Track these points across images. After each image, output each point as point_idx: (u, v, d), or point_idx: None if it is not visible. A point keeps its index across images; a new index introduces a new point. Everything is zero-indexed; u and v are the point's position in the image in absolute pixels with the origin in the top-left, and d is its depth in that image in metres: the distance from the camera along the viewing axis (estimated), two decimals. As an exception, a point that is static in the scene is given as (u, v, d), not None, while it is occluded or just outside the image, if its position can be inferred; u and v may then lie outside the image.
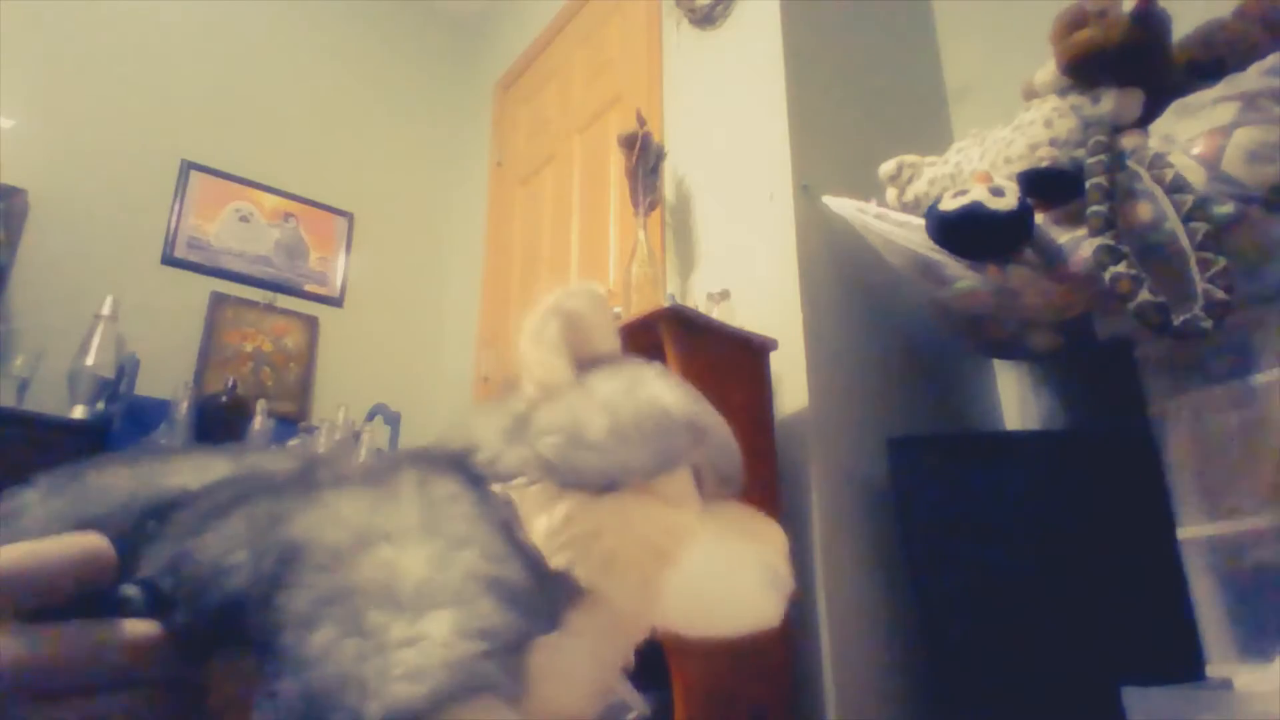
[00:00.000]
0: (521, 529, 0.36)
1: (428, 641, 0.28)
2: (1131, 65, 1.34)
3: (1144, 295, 1.12)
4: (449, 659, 0.28)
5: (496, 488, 0.37)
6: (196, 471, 0.35)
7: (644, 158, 1.95)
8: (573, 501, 0.36)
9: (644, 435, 0.38)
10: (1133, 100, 1.35)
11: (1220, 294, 1.11)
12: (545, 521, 0.36)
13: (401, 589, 0.30)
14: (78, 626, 0.26)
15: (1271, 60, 1.20)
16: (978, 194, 1.31)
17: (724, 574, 0.40)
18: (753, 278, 1.78)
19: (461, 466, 0.38)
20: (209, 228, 2.83)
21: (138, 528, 0.32)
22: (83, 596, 0.28)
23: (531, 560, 0.34)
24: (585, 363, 0.41)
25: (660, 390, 0.43)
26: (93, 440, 2.15)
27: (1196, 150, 1.20)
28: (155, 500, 0.34)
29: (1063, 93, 1.41)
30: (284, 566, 0.29)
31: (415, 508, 0.33)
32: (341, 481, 0.34)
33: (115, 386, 2.27)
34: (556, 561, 0.35)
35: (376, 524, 0.32)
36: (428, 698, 0.27)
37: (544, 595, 0.34)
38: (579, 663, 0.36)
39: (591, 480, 0.36)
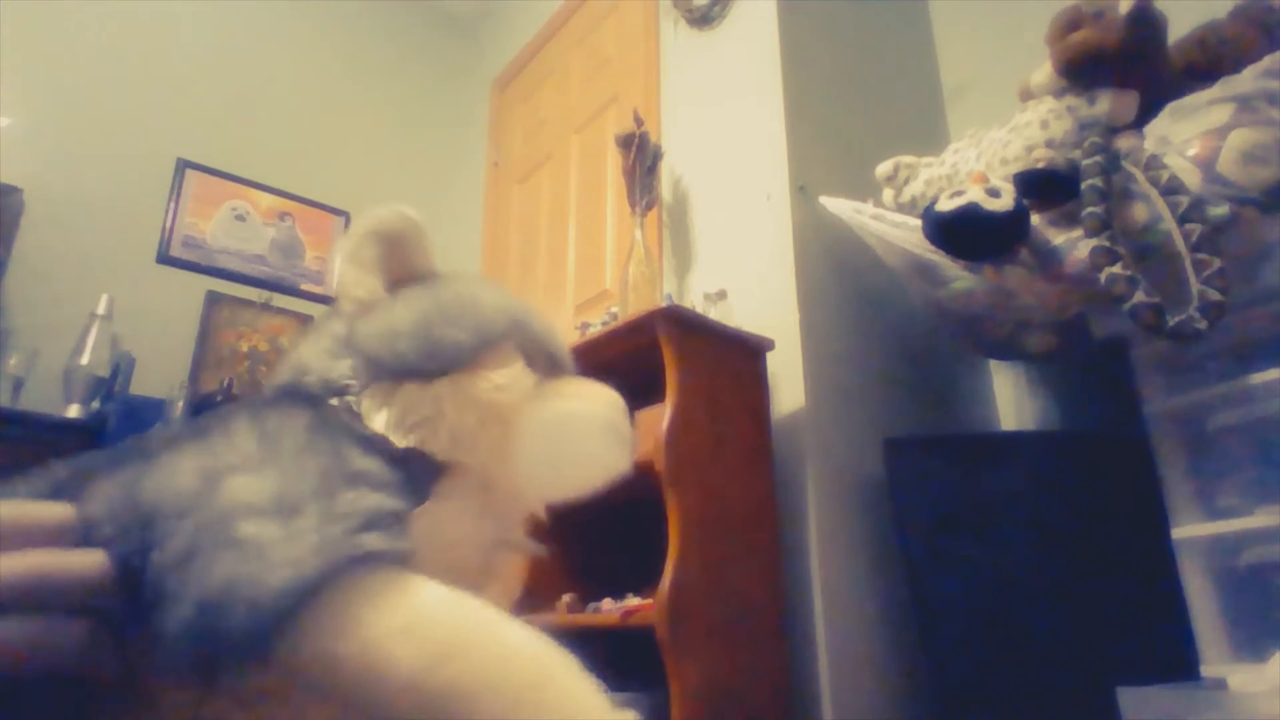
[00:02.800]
0: (365, 427, 0.37)
1: (300, 533, 0.30)
2: (1127, 67, 1.34)
3: (1139, 296, 1.13)
4: (324, 540, 0.30)
5: (334, 401, 0.38)
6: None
7: (641, 158, 1.95)
8: (407, 389, 0.38)
9: (455, 318, 0.41)
10: (1128, 102, 1.35)
11: (1215, 295, 1.11)
12: (386, 413, 0.37)
13: (263, 502, 0.31)
14: (36, 552, 0.28)
15: (1267, 62, 1.20)
16: (974, 195, 1.31)
17: (568, 432, 0.42)
18: (750, 278, 1.78)
19: (293, 394, 0.39)
20: (205, 226, 2.82)
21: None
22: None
23: (380, 449, 0.36)
24: (403, 280, 0.43)
25: (468, 285, 0.45)
26: (88, 439, 2.14)
27: (1192, 152, 1.20)
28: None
29: (1059, 94, 1.41)
30: (147, 530, 0.30)
31: (252, 440, 0.34)
32: (174, 442, 0.35)
33: (110, 385, 2.26)
34: (405, 443, 0.37)
35: (220, 462, 0.33)
36: (312, 576, 0.29)
37: (403, 475, 0.36)
38: (456, 525, 0.37)
39: (416, 363, 0.38)
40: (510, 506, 0.41)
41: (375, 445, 0.36)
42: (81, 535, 0.30)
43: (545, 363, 0.45)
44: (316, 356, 0.41)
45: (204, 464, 0.33)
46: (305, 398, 0.38)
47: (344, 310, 0.42)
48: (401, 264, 0.43)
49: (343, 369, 0.39)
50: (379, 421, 0.38)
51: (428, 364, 0.38)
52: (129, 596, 0.30)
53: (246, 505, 0.30)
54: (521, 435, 0.39)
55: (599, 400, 0.43)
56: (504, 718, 0.28)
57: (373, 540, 0.31)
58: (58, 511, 0.30)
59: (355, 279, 0.41)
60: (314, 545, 0.29)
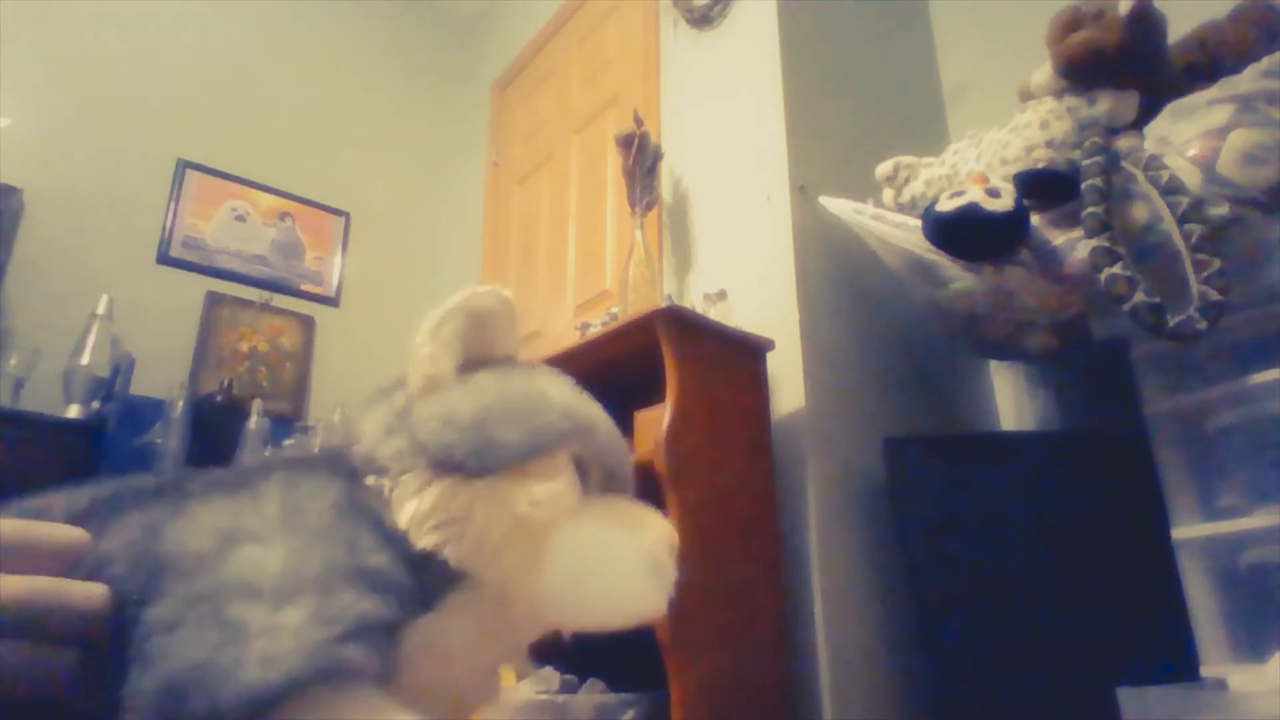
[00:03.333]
0: (391, 517, 0.36)
1: (284, 629, 0.29)
2: (1127, 67, 1.34)
3: (1139, 296, 1.13)
4: (303, 644, 0.29)
5: (371, 480, 0.37)
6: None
7: (641, 158, 1.95)
8: (444, 484, 0.36)
9: (515, 416, 0.39)
10: (1128, 102, 1.35)
11: (1215, 295, 1.11)
12: (415, 505, 0.36)
13: (262, 583, 0.30)
14: (39, 578, 0.27)
15: (1267, 62, 1.20)
16: (974, 195, 1.31)
17: (604, 561, 0.40)
18: (750, 278, 1.78)
19: (336, 462, 0.38)
20: (205, 227, 2.82)
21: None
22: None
23: (400, 546, 0.35)
24: (479, 363, 0.42)
25: (539, 380, 0.43)
26: (87, 440, 2.14)
27: (1192, 152, 1.20)
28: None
29: (1059, 94, 1.41)
30: (152, 580, 0.30)
31: (277, 506, 0.34)
32: (209, 490, 0.34)
33: (110, 386, 2.26)
34: (425, 543, 0.35)
35: (239, 526, 0.32)
36: (281, 682, 0.28)
37: (415, 580, 0.34)
38: (459, 641, 0.36)
39: (461, 459, 0.37)
40: (523, 628, 0.40)
41: (393, 540, 0.35)
42: (93, 568, 0.30)
43: (601, 476, 0.43)
44: (370, 428, 0.40)
45: (224, 525, 0.32)
46: (346, 470, 0.38)
47: (411, 385, 0.41)
48: (481, 345, 0.42)
49: (390, 448, 0.38)
50: (407, 513, 0.36)
51: (471, 461, 0.37)
52: (121, 638, 0.30)
53: (245, 583, 0.30)
54: (553, 556, 0.38)
55: (653, 533, 0.41)
56: None
57: (355, 652, 0.30)
58: (70, 536, 0.30)
59: (429, 354, 0.40)
60: (292, 647, 0.29)
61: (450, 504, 0.36)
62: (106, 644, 0.29)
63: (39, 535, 0.29)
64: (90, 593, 0.29)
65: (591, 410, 0.44)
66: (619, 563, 0.40)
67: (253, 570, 0.31)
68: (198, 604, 0.29)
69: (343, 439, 0.40)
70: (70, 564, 0.29)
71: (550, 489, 0.38)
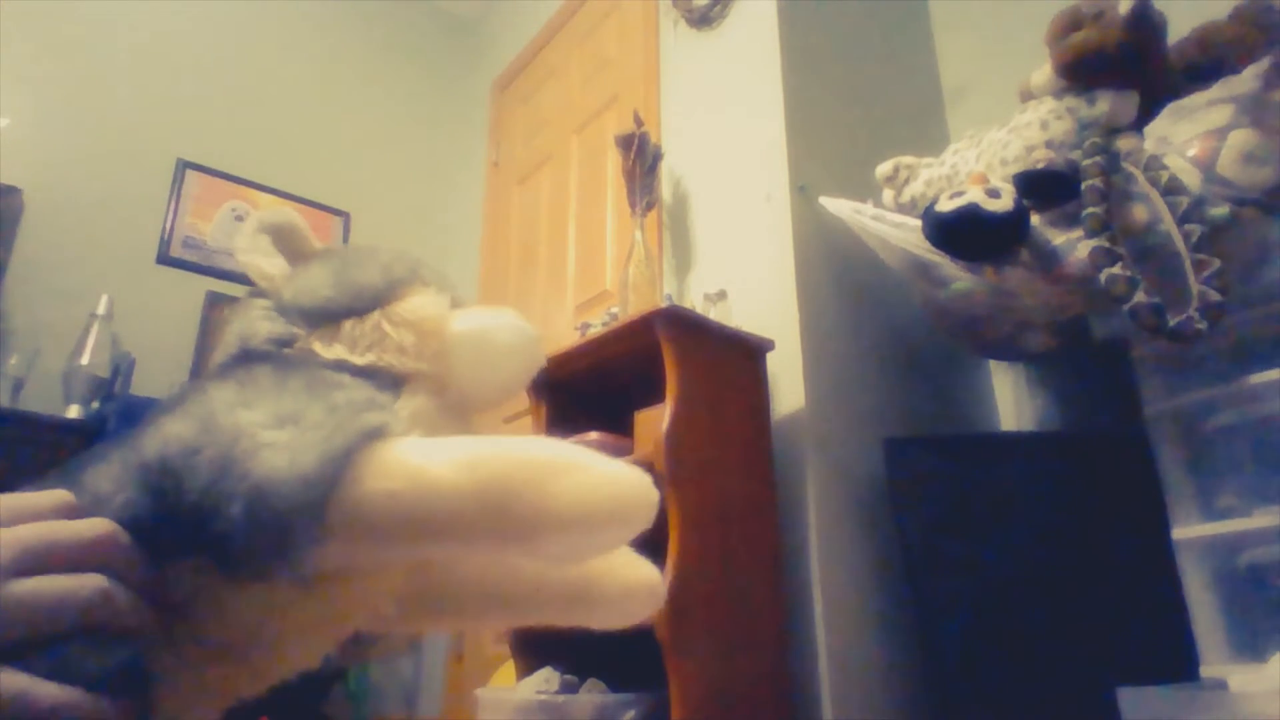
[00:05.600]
0: (324, 358, 0.41)
1: (315, 424, 0.33)
2: (1127, 67, 1.34)
3: (1139, 296, 1.13)
4: (339, 421, 0.33)
5: (287, 350, 0.42)
6: None
7: (641, 158, 1.95)
8: (348, 325, 0.42)
9: (363, 265, 0.45)
10: (1128, 102, 1.35)
11: (1215, 295, 1.11)
12: (337, 346, 0.41)
13: (268, 420, 0.33)
14: (41, 522, 0.29)
15: (1267, 62, 1.20)
16: (974, 195, 1.31)
17: (490, 338, 0.46)
18: (749, 278, 1.78)
19: (246, 357, 0.42)
20: (205, 227, 2.82)
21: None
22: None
23: (346, 366, 0.40)
24: (298, 260, 0.48)
25: (354, 247, 0.51)
26: (87, 440, 2.14)
27: (1192, 152, 1.20)
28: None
29: (1059, 94, 1.42)
30: (165, 478, 0.32)
31: (230, 388, 0.37)
32: (157, 413, 0.37)
33: (110, 386, 2.26)
34: (364, 360, 0.40)
35: (211, 408, 0.35)
36: (344, 444, 0.31)
37: (372, 383, 0.39)
38: (428, 421, 0.41)
39: (347, 304, 0.43)
40: (462, 405, 0.46)
41: (340, 365, 0.40)
42: (89, 510, 0.31)
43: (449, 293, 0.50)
44: (254, 324, 0.44)
45: (196, 414, 0.34)
46: (260, 355, 0.41)
47: (263, 286, 0.45)
48: (293, 249, 0.48)
49: (281, 327, 0.43)
50: (333, 353, 0.41)
51: (357, 303, 0.42)
52: (159, 544, 0.31)
53: (255, 423, 0.33)
54: (453, 348, 0.44)
55: (505, 313, 0.48)
56: (541, 494, 0.31)
57: (379, 416, 0.34)
58: (55, 496, 0.31)
59: (263, 262, 0.46)
60: (334, 425, 0.32)
61: (364, 333, 0.42)
62: (130, 560, 0.30)
63: (24, 503, 0.30)
64: (98, 523, 0.30)
65: (412, 254, 0.51)
66: (501, 337, 0.47)
67: (252, 416, 0.33)
68: (227, 450, 0.31)
69: (234, 343, 0.45)
70: (64, 513, 0.30)
71: (429, 296, 0.45)
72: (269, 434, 0.32)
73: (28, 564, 0.27)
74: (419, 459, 0.32)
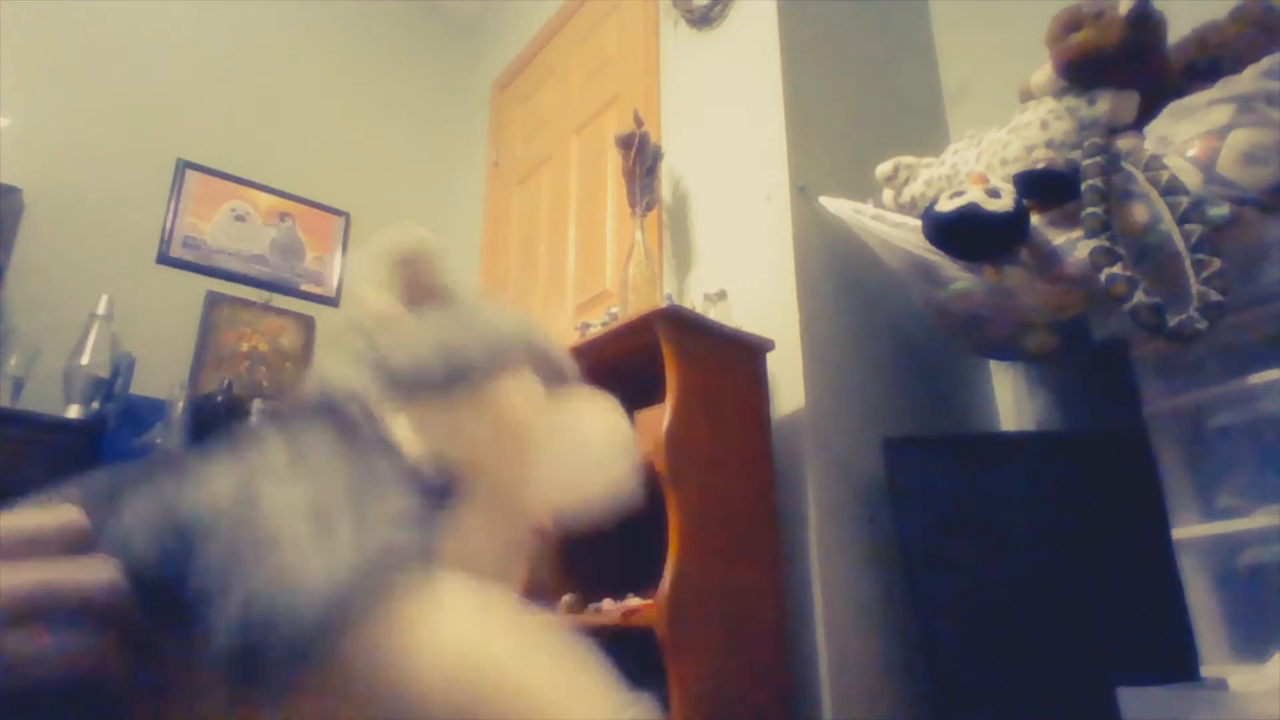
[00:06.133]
0: (386, 435, 0.39)
1: (339, 533, 0.31)
2: (1127, 67, 1.34)
3: (1139, 297, 1.13)
4: (360, 537, 0.31)
5: (355, 412, 0.39)
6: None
7: (641, 158, 1.95)
8: (426, 403, 0.39)
9: (472, 338, 0.43)
10: (1128, 102, 1.35)
11: (1215, 295, 1.11)
12: (405, 424, 0.39)
13: (297, 509, 0.32)
14: (39, 562, 0.28)
15: (1267, 63, 1.20)
16: (974, 195, 1.31)
17: (579, 445, 0.45)
18: (749, 278, 1.78)
19: (320, 408, 0.40)
20: (205, 227, 2.82)
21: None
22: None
23: (402, 464, 0.37)
24: (418, 297, 0.45)
25: (481, 305, 0.47)
26: (88, 440, 2.14)
27: (1192, 152, 1.20)
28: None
29: (1059, 94, 1.42)
30: (183, 538, 0.31)
31: (283, 455, 0.35)
32: (209, 457, 0.36)
33: (110, 386, 2.26)
34: (422, 460, 0.38)
35: (254, 477, 0.34)
36: (352, 570, 0.30)
37: (423, 483, 0.37)
38: (474, 529, 0.39)
39: (434, 378, 0.40)
40: (522, 515, 0.43)
41: (396, 454, 0.37)
42: (111, 549, 0.30)
43: (551, 375, 0.47)
44: (339, 370, 0.42)
45: (238, 476, 0.34)
46: (329, 410, 0.40)
47: (364, 327, 0.43)
48: (417, 282, 0.45)
49: (364, 382, 0.41)
50: (399, 431, 0.39)
51: (445, 379, 0.40)
52: (160, 607, 0.30)
53: (282, 509, 0.32)
54: (535, 450, 0.41)
55: (606, 416, 0.45)
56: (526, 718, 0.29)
57: (405, 538, 0.32)
58: (64, 515, 0.30)
59: (374, 297, 0.44)
60: (350, 542, 0.31)
61: (437, 417, 0.39)
62: (134, 617, 0.29)
63: (33, 521, 0.29)
64: (100, 568, 0.29)
65: (530, 320, 0.48)
66: (591, 445, 0.44)
67: (284, 505, 0.32)
68: (245, 538, 0.30)
69: (315, 385, 0.43)
70: (71, 542, 0.30)
71: (522, 386, 0.42)
72: (294, 529, 0.31)
73: (22, 613, 0.26)
74: (420, 627, 0.30)
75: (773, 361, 1.60)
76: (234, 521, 0.31)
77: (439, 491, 0.38)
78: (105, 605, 0.28)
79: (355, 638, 0.29)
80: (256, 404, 2.48)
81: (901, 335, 1.84)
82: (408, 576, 0.32)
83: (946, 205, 1.34)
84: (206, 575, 0.30)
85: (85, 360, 2.26)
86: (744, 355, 1.56)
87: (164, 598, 0.30)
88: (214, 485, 0.33)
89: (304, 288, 2.99)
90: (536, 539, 0.45)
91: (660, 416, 1.37)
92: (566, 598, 1.56)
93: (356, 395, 0.40)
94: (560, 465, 0.43)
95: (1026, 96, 1.49)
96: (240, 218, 2.91)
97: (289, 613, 0.28)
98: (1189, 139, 1.22)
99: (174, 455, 0.38)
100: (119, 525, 0.32)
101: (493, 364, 0.42)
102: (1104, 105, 1.35)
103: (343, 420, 0.39)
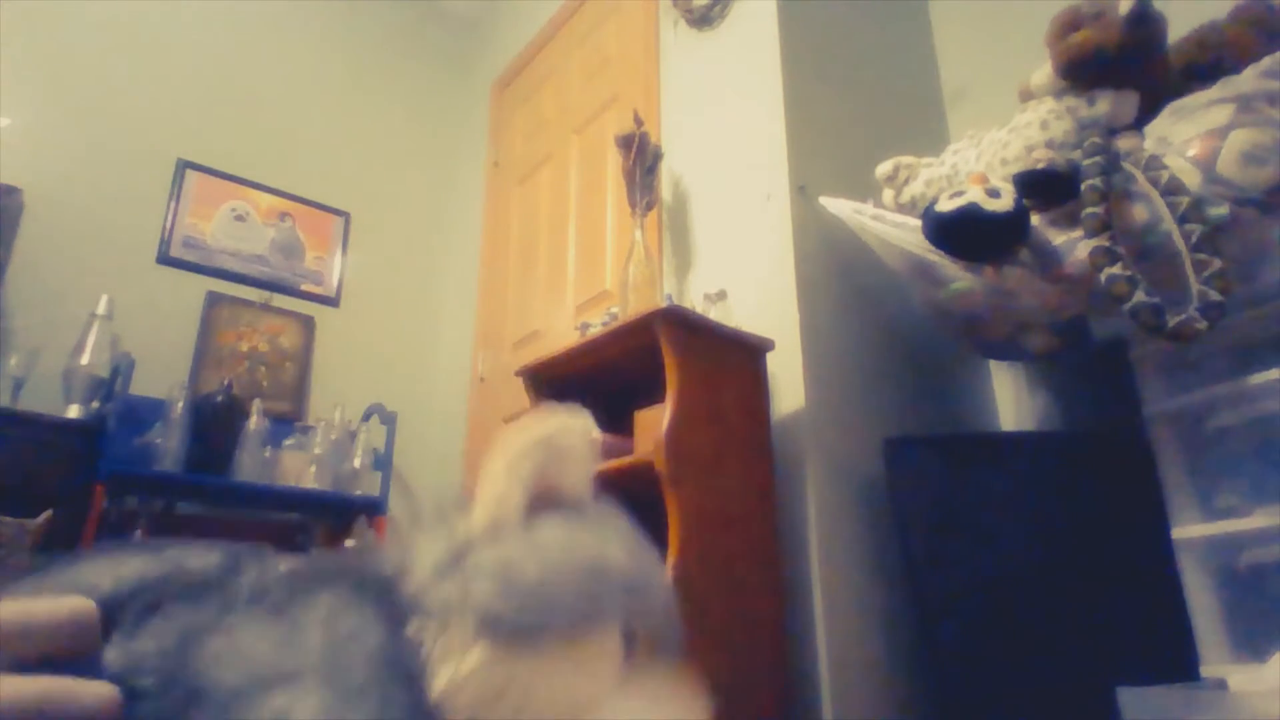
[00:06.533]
0: (424, 678, 0.35)
1: None
2: (1127, 67, 1.35)
3: (1139, 296, 1.13)
4: None
5: (414, 625, 0.36)
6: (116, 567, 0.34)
7: (641, 158, 1.95)
8: (486, 652, 0.35)
9: (576, 587, 0.37)
10: (1128, 102, 1.35)
11: (1215, 295, 1.11)
12: (452, 670, 0.35)
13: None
14: (49, 677, 0.27)
15: (1267, 63, 1.20)
16: (974, 195, 1.31)
17: None
18: (749, 278, 1.78)
19: (384, 594, 0.37)
20: (205, 227, 2.82)
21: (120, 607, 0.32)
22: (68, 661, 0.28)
23: (427, 715, 0.33)
24: (548, 502, 0.40)
25: (604, 544, 0.41)
26: (87, 440, 2.14)
27: (1192, 152, 1.20)
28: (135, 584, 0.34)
29: (1059, 95, 1.42)
30: (190, 703, 0.29)
31: (318, 647, 0.33)
32: (255, 601, 0.33)
33: (110, 386, 2.26)
34: (453, 717, 0.34)
35: (276, 665, 0.32)
36: None
37: None
38: None
39: (511, 629, 0.35)
40: None
41: (423, 709, 0.34)
42: (122, 671, 0.29)
43: (648, 645, 0.42)
44: (425, 562, 0.38)
45: (261, 659, 0.32)
46: (390, 606, 0.36)
47: (475, 519, 0.39)
48: (555, 482, 0.40)
49: (439, 596, 0.36)
50: (443, 677, 0.35)
51: (521, 634, 0.35)
52: None
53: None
54: None
55: (677, 704, 0.40)
56: None
57: None
58: (74, 608, 0.29)
59: (500, 491, 0.38)
60: None
61: (489, 675, 0.35)
62: None
63: (42, 614, 0.28)
64: (103, 695, 0.28)
65: (652, 575, 0.42)
66: None
67: (302, 704, 0.30)
68: None
69: (395, 564, 0.38)
70: (77, 637, 0.29)
71: (597, 668, 0.37)
72: None
73: None
74: None
75: (773, 361, 1.60)
76: (236, 709, 0.30)
77: None
78: None
79: None
80: (256, 404, 2.48)
81: (901, 335, 1.84)
82: None
83: (946, 205, 1.34)
84: None
85: (85, 360, 2.26)
86: (744, 355, 1.56)
87: None
88: (242, 648, 0.32)
89: (304, 288, 2.99)
90: None
91: (660, 416, 1.37)
92: (566, 598, 1.55)
93: (423, 605, 0.36)
94: None
95: (1026, 96, 1.49)
96: (240, 218, 2.91)
97: None
98: (1189, 139, 1.22)
99: (224, 563, 0.35)
100: (139, 647, 0.31)
101: (584, 625, 0.37)
102: (1104, 105, 1.35)
103: (396, 631, 0.35)
